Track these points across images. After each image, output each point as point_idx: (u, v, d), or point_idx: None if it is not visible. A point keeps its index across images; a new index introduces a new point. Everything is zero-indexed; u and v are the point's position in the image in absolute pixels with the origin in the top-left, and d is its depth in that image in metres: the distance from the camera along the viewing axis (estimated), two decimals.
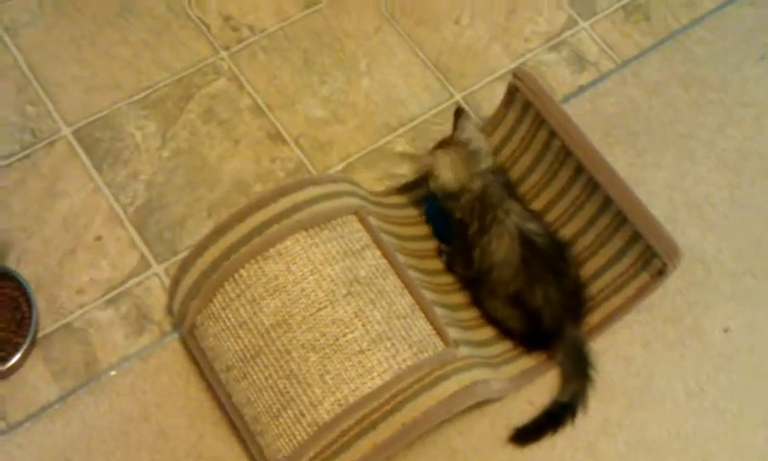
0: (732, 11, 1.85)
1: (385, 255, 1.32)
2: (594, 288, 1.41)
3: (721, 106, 1.72)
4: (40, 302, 1.39)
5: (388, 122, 1.64)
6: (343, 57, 1.71)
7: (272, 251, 1.26)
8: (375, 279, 1.28)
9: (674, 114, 1.70)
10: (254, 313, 1.24)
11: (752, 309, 1.50)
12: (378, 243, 1.32)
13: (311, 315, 1.23)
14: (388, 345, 1.23)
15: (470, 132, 1.45)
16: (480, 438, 1.34)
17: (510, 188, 1.43)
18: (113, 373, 1.35)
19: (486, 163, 1.42)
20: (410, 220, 1.49)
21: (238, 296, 1.26)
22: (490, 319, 1.42)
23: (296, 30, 1.73)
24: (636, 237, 1.36)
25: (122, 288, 1.42)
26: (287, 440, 1.19)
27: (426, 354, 1.24)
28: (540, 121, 1.45)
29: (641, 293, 1.38)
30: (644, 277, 1.37)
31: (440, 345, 1.26)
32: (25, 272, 1.41)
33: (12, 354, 1.32)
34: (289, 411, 1.20)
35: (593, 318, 1.41)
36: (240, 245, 1.28)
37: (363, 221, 1.33)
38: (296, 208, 1.30)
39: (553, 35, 1.78)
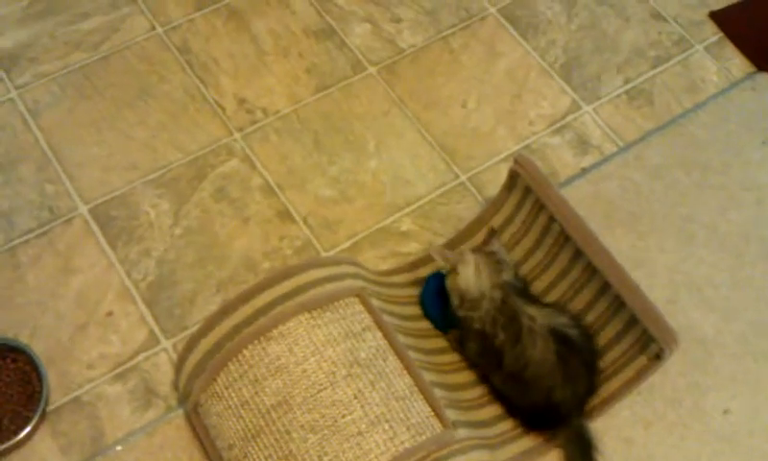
0: (735, 95, 1.89)
1: (386, 337, 1.35)
2: None
3: (723, 189, 1.75)
4: (51, 376, 1.42)
5: (395, 202, 1.69)
6: (352, 138, 1.76)
7: (275, 332, 1.30)
8: (375, 361, 1.31)
9: (676, 197, 1.73)
10: (256, 393, 1.27)
11: (752, 392, 1.51)
12: (379, 325, 1.35)
13: (311, 396, 1.26)
14: (386, 427, 1.25)
15: (498, 247, 1.47)
16: None
17: (526, 292, 1.45)
18: (119, 448, 1.37)
19: (508, 276, 1.43)
20: (412, 300, 1.52)
21: (241, 376, 1.29)
22: (497, 397, 1.44)
23: (307, 112, 1.79)
24: (633, 321, 1.38)
25: (131, 363, 1.46)
26: None
27: (424, 437, 1.26)
28: (539, 206, 1.49)
29: (640, 376, 1.40)
30: (642, 360, 1.39)
31: (438, 427, 1.28)
32: (37, 346, 1.45)
33: (21, 428, 1.36)
34: None
35: (593, 399, 1.42)
36: (244, 325, 1.32)
37: (365, 303, 1.37)
38: (299, 290, 1.34)
39: (557, 118, 1.83)
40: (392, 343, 1.34)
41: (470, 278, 1.41)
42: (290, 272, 1.36)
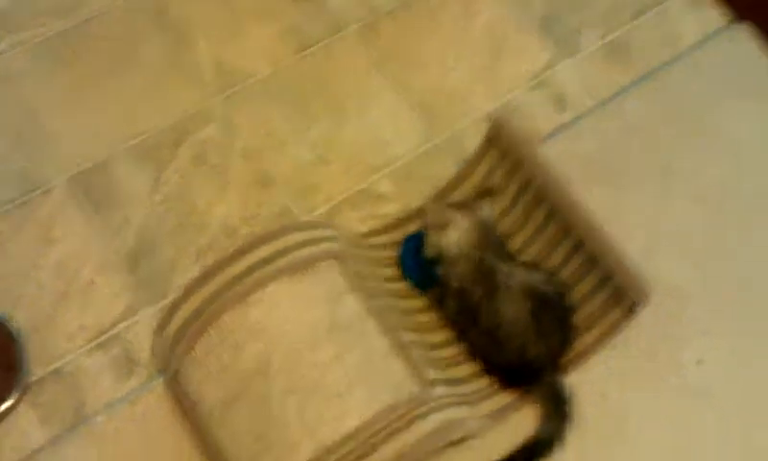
0: (712, 47, 1.88)
1: (364, 299, 1.36)
2: None
3: (700, 143, 1.75)
4: (32, 347, 1.43)
5: (373, 163, 1.69)
6: (331, 100, 1.76)
7: (254, 297, 1.32)
8: (354, 323, 1.33)
9: (653, 152, 1.73)
10: (236, 358, 1.29)
11: (726, 343, 1.53)
12: (357, 287, 1.37)
13: (291, 359, 1.28)
14: (365, 387, 1.28)
15: (488, 211, 1.48)
16: None
17: (503, 250, 1.47)
18: (101, 418, 1.39)
19: (491, 238, 1.45)
20: (390, 261, 1.53)
21: (221, 341, 1.31)
22: (474, 355, 1.45)
23: (286, 75, 1.78)
24: (607, 276, 1.40)
25: (111, 332, 1.47)
26: None
27: (403, 395, 1.29)
28: (516, 165, 1.50)
29: (613, 329, 1.42)
30: (616, 313, 1.41)
31: (416, 385, 1.31)
32: (19, 316, 1.46)
33: (1, 400, 1.37)
34: (269, 454, 1.25)
35: (568, 354, 1.44)
36: (223, 291, 1.33)
37: (343, 265, 1.38)
38: (277, 255, 1.36)
39: (536, 74, 1.83)
40: (370, 305, 1.36)
41: (453, 238, 1.43)
42: (268, 236, 1.38)
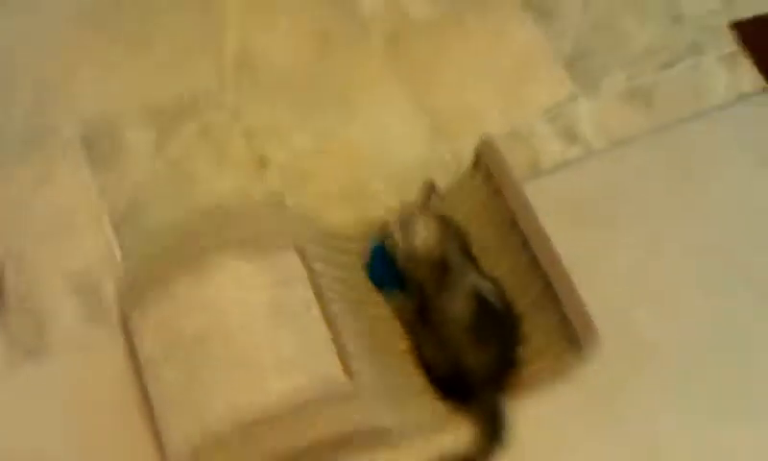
0: (739, 110, 1.83)
1: (316, 293, 1.39)
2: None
3: (699, 203, 1.72)
4: (8, 279, 1.52)
5: (373, 166, 1.72)
6: (342, 98, 1.79)
7: (204, 269, 1.36)
8: (299, 312, 1.36)
9: (650, 203, 1.71)
10: (179, 322, 1.35)
11: (682, 403, 1.50)
12: (310, 278, 1.40)
13: (228, 336, 1.33)
14: (293, 374, 1.31)
15: (437, 203, 1.53)
16: None
17: (467, 252, 1.50)
18: (62, 355, 1.47)
19: (454, 236, 1.50)
20: (357, 266, 1.55)
21: (168, 303, 1.36)
22: (422, 362, 1.46)
23: (305, 70, 1.83)
24: (560, 313, 1.40)
25: (89, 279, 1.54)
26: (184, 443, 1.30)
27: (329, 390, 1.32)
28: (497, 190, 1.51)
29: (560, 366, 1.43)
30: (565, 352, 1.42)
31: (342, 383, 1.33)
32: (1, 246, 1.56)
33: None
34: (189, 416, 1.30)
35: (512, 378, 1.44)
36: (180, 257, 1.38)
37: (300, 255, 1.41)
38: (240, 234, 1.40)
39: (551, 106, 1.82)
40: (322, 300, 1.39)
41: (420, 238, 1.47)
42: (237, 216, 1.42)
